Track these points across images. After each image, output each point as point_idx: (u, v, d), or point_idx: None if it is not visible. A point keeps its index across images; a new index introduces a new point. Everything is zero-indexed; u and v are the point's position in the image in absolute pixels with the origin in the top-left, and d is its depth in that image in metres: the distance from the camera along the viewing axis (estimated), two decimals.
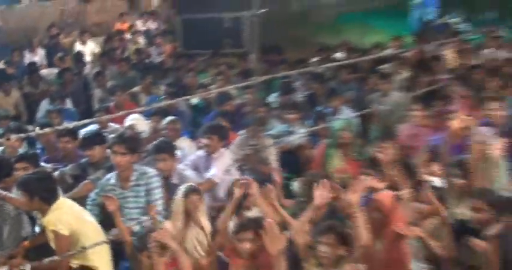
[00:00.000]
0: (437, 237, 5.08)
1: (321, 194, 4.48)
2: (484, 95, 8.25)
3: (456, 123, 6.18)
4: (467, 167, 5.46)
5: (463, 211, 4.71)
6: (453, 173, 5.48)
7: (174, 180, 5.96)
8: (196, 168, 6.58)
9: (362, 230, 4.11)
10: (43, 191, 5.04)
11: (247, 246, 4.40)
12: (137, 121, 7.57)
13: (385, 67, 10.32)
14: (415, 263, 5.02)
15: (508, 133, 6.45)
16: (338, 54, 11.74)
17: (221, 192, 6.09)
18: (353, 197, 4.25)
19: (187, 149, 7.06)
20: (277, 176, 6.74)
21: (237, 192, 4.65)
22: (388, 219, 4.77)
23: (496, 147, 5.32)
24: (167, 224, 5.03)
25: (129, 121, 7.56)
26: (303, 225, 4.39)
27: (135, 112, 7.53)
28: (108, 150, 6.01)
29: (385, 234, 4.79)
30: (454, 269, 4.56)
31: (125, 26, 16.22)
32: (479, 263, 4.62)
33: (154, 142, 6.37)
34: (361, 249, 4.06)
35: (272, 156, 7.04)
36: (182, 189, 5.20)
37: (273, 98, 9.37)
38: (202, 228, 5.06)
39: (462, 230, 4.77)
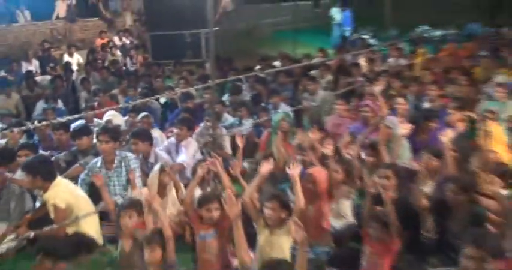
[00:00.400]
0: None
1: (266, 167, 4.48)
2: (390, 92, 8.50)
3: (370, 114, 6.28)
4: (377, 147, 5.56)
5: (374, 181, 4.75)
6: (366, 152, 5.60)
7: (151, 160, 5.95)
8: (168, 152, 6.60)
9: (300, 199, 4.10)
10: (44, 171, 4.99)
11: (214, 214, 4.34)
12: (113, 116, 7.56)
13: (313, 72, 10.40)
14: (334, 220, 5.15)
15: (409, 121, 6.63)
16: (276, 63, 11.79)
17: (188, 173, 6.07)
18: (294, 172, 4.25)
19: (158, 138, 7.05)
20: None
21: (200, 171, 4.64)
22: (318, 188, 4.87)
23: (401, 131, 5.43)
24: (144, 191, 5.01)
25: (107, 116, 7.55)
26: (252, 193, 4.37)
27: (113, 109, 7.47)
28: (95, 140, 5.97)
29: (315, 200, 4.90)
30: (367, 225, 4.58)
31: (104, 41, 16.07)
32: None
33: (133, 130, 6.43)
34: (298, 211, 4.07)
35: (226, 142, 7.07)
36: (157, 166, 5.21)
37: (226, 97, 9.37)
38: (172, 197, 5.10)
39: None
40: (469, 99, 7.91)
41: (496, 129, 6.01)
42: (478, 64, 10.44)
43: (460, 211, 4.32)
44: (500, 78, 8.82)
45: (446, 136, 5.08)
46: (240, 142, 5.62)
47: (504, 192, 4.68)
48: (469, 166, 5.27)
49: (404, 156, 5.93)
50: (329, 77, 10.09)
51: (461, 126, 6.58)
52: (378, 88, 6.66)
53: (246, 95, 9.46)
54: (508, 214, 4.35)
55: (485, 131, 5.94)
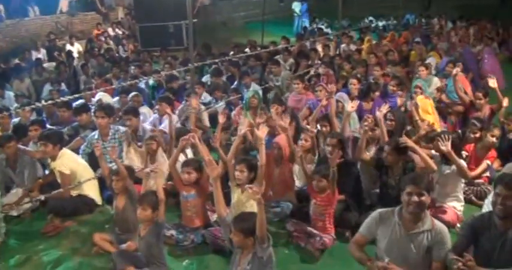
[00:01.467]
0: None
1: (241, 129, 4.51)
2: (342, 73, 8.51)
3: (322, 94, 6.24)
4: (329, 119, 5.56)
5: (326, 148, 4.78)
6: (321, 123, 5.60)
7: (140, 133, 5.84)
8: (154, 125, 6.49)
9: (263, 155, 4.07)
10: (56, 140, 4.96)
11: (191, 176, 4.33)
12: (103, 96, 7.36)
13: (278, 57, 10.31)
14: (299, 181, 5.19)
15: (359, 97, 6.63)
16: (247, 49, 11.65)
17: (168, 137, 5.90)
18: (260, 135, 4.23)
19: (146, 113, 6.92)
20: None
21: (182, 142, 4.59)
22: (283, 153, 4.90)
23: (351, 105, 5.44)
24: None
25: (98, 96, 7.38)
26: (233, 154, 4.34)
27: (107, 90, 7.34)
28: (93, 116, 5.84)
29: (280, 163, 4.93)
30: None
31: (100, 32, 15.74)
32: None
33: (124, 108, 6.27)
34: (262, 167, 4.04)
35: (205, 116, 6.99)
36: (145, 138, 5.18)
37: (205, 78, 9.21)
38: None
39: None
40: (405, 77, 7.99)
41: (425, 102, 6.04)
42: (412, 49, 10.51)
43: (395, 168, 4.38)
44: (429, 59, 8.90)
45: (381, 111, 5.09)
46: (221, 119, 5.53)
47: (433, 152, 4.78)
48: (405, 132, 5.35)
49: (353, 126, 5.97)
50: (291, 61, 10.02)
51: (400, 101, 6.66)
52: (321, 70, 6.60)
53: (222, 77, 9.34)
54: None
55: (415, 103, 5.99)
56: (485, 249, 3.00)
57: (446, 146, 4.17)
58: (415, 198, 3.02)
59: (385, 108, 5.12)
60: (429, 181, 3.17)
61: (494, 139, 5.17)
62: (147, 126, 6.19)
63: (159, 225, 3.74)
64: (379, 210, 3.28)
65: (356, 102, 5.47)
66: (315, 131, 5.24)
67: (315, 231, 4.18)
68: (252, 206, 4.04)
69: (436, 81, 7.30)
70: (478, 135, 5.28)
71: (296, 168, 5.23)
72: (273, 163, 4.93)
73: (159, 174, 4.83)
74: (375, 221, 3.23)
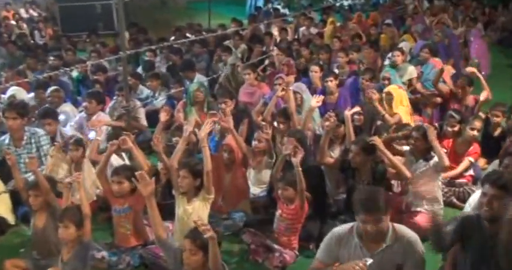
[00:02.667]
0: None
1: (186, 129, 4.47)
2: (301, 61, 8.62)
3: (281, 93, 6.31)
4: (288, 114, 5.61)
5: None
6: (279, 120, 5.64)
7: (58, 139, 5.69)
8: (80, 127, 6.36)
9: (207, 160, 4.08)
10: None
11: (122, 187, 4.28)
12: (17, 91, 7.13)
13: (227, 42, 10.34)
14: (255, 188, 5.25)
15: (322, 92, 6.76)
16: (190, 33, 11.59)
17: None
18: (201, 135, 4.23)
19: (70, 112, 6.76)
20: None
21: (110, 149, 4.52)
22: (234, 157, 4.92)
23: (315, 100, 5.54)
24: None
25: (10, 92, 7.12)
26: (177, 158, 4.32)
27: (20, 84, 7.09)
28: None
29: (232, 168, 4.95)
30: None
31: (10, 14, 15.18)
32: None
33: (40, 109, 6.10)
34: (208, 174, 4.05)
35: (141, 114, 6.91)
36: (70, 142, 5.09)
37: (141, 69, 9.10)
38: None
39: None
40: (374, 65, 8.19)
41: (397, 92, 6.23)
42: (382, 32, 10.79)
43: (363, 170, 4.50)
44: (402, 44, 9.18)
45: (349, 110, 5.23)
46: (163, 116, 5.48)
47: (406, 147, 4.94)
48: (375, 128, 5.50)
49: (315, 121, 6.04)
50: (243, 47, 10.06)
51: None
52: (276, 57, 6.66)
53: (161, 67, 9.25)
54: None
55: (386, 94, 6.17)
56: (475, 254, 3.09)
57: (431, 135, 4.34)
58: (372, 227, 3.00)
59: (353, 110, 5.28)
60: (386, 199, 3.11)
61: (474, 132, 5.37)
62: (67, 131, 6.05)
63: (86, 246, 3.67)
64: (335, 230, 3.26)
65: (320, 97, 5.56)
66: (270, 129, 5.28)
67: (275, 246, 4.22)
68: (201, 217, 4.02)
69: (412, 70, 7.50)
70: (456, 128, 5.49)
71: (251, 172, 5.28)
72: (224, 168, 4.96)
73: (87, 185, 4.76)
74: (333, 243, 3.20)
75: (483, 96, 6.16)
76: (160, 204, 4.74)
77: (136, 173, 3.62)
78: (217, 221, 4.66)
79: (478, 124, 5.41)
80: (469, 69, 6.45)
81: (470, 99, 6.48)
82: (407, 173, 4.41)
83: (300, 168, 4.07)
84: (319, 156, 4.75)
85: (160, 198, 4.81)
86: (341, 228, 3.25)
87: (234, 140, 4.91)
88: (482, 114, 6.05)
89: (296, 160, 4.09)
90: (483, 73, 9.16)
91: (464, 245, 3.20)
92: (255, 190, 5.22)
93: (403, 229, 3.16)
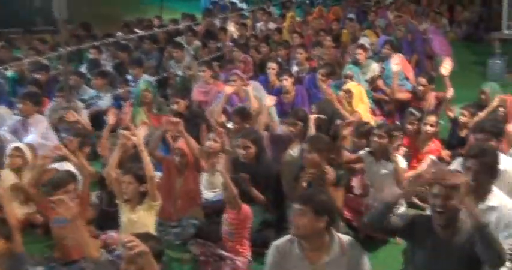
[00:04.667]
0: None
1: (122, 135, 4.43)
2: (258, 56, 8.70)
3: (230, 88, 6.37)
4: (246, 114, 5.68)
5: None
6: (234, 120, 5.70)
7: None
8: (15, 131, 6.23)
9: (147, 165, 4.08)
10: None
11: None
12: None
13: (179, 39, 10.34)
14: (208, 192, 5.29)
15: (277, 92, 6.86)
16: (139, 29, 11.51)
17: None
18: (136, 139, 4.24)
19: (4, 115, 6.64)
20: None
21: (41, 161, 4.47)
22: (187, 161, 4.94)
23: (267, 99, 5.62)
24: None
25: None
26: (113, 165, 4.31)
27: None
28: None
29: (184, 172, 4.97)
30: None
31: None
32: None
33: None
34: (151, 180, 4.06)
35: (84, 116, 6.83)
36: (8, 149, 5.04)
37: (84, 68, 9.01)
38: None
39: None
40: (336, 62, 8.34)
41: (357, 90, 6.37)
42: (345, 27, 10.98)
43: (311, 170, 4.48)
44: (362, 40, 9.37)
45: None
46: (111, 119, 5.45)
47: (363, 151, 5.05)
48: (333, 128, 5.60)
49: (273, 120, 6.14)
50: (197, 43, 10.07)
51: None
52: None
53: (107, 65, 9.17)
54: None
55: (345, 92, 6.30)
56: (426, 257, 3.16)
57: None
58: (299, 219, 3.03)
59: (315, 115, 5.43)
60: (327, 201, 3.16)
61: (428, 128, 5.55)
62: (6, 133, 5.95)
63: (19, 259, 3.61)
64: (275, 243, 3.25)
65: (273, 98, 5.64)
66: (223, 129, 5.36)
67: (225, 254, 4.25)
68: (147, 226, 4.07)
69: (375, 67, 7.69)
70: (416, 126, 5.67)
71: (204, 176, 5.32)
72: (175, 172, 4.98)
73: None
74: (276, 259, 3.18)
75: (450, 93, 6.33)
76: (105, 211, 4.82)
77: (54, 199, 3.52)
78: (166, 230, 4.67)
79: (432, 119, 5.58)
80: (442, 68, 6.52)
81: (431, 97, 6.67)
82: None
83: (225, 173, 4.14)
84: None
85: (105, 204, 4.83)
86: (281, 240, 3.24)
87: (185, 143, 4.93)
88: (451, 114, 6.24)
89: (220, 166, 4.18)
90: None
91: (413, 241, 3.26)
92: (208, 195, 5.25)
93: (349, 241, 3.18)
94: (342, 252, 3.09)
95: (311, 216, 3.02)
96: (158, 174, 5.20)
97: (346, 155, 5.11)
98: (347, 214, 4.67)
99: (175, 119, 4.95)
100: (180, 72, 8.40)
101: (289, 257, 3.15)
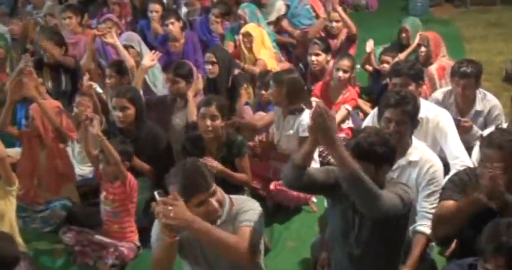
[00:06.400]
0: None
1: None
2: None
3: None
4: (124, 67, 5.60)
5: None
6: (108, 73, 5.59)
7: None
8: None
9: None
10: None
11: None
12: None
13: None
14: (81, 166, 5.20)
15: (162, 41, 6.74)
16: None
17: None
18: None
19: None
20: None
21: None
22: (39, 130, 4.79)
23: (146, 58, 5.49)
24: None
25: None
26: None
27: None
28: None
29: (46, 145, 4.83)
30: None
31: None
32: None
33: None
34: (2, 162, 3.87)
35: None
36: None
37: None
38: None
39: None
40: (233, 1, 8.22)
41: (257, 32, 6.33)
42: None
43: (213, 141, 4.45)
44: None
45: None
46: None
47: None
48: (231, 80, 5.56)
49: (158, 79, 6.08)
50: None
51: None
52: None
53: None
54: None
55: (243, 35, 6.26)
56: (343, 217, 3.14)
57: None
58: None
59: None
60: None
61: (340, 73, 5.58)
62: None
63: None
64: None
65: (156, 54, 5.52)
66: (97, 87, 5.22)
67: (107, 240, 4.21)
68: (5, 215, 3.93)
69: (280, 6, 7.61)
70: (321, 58, 5.77)
71: (75, 147, 5.23)
72: (37, 146, 4.82)
73: None
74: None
75: (370, 46, 6.41)
76: None
77: None
78: (32, 215, 4.60)
79: (344, 63, 5.60)
80: (367, 44, 6.52)
81: (342, 34, 6.77)
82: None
83: (104, 138, 4.08)
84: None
85: None
86: None
87: (39, 108, 4.76)
88: (369, 67, 6.44)
89: (93, 128, 4.09)
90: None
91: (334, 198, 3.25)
92: (83, 170, 5.18)
93: (241, 202, 3.14)
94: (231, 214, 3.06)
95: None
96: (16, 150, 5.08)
97: (249, 113, 5.15)
98: (253, 182, 4.67)
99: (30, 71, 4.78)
100: (40, 20, 8.01)
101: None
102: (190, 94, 5.18)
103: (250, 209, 3.05)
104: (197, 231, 2.81)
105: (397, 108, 3.54)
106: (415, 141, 3.67)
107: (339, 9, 6.64)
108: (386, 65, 6.04)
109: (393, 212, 2.87)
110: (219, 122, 4.32)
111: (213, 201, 2.93)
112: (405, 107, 3.53)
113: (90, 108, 5.01)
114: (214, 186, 2.97)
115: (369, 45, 6.44)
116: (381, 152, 2.96)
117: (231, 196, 3.13)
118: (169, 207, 2.71)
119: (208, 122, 4.29)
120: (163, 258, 2.97)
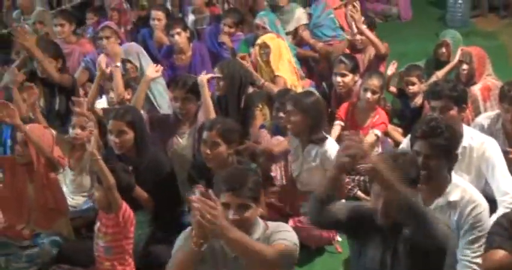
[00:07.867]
0: None
1: None
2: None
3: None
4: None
5: None
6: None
7: None
8: None
9: None
10: None
11: None
12: None
13: None
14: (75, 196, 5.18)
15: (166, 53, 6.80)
16: None
17: None
18: None
19: None
20: None
21: None
22: (32, 158, 4.75)
23: (150, 69, 5.55)
24: None
25: None
26: None
27: None
28: None
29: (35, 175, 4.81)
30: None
31: None
32: None
33: None
34: None
35: None
36: None
37: None
38: None
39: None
40: (247, 7, 8.29)
41: (275, 44, 6.33)
42: None
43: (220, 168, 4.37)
44: None
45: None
46: None
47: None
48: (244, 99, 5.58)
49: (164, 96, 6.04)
50: None
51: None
52: None
53: None
54: None
55: (259, 47, 6.28)
56: (372, 258, 3.18)
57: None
58: (234, 215, 3.05)
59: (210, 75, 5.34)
60: (258, 183, 3.15)
61: (368, 94, 5.56)
62: None
63: None
64: (185, 231, 3.24)
65: (159, 67, 5.56)
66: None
67: None
68: None
69: (301, 15, 7.66)
70: (348, 80, 5.76)
71: (67, 175, 5.22)
72: (23, 176, 4.81)
73: None
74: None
75: (391, 70, 6.38)
76: None
77: None
78: (15, 253, 4.58)
79: (373, 82, 5.58)
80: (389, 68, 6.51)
81: (371, 50, 6.76)
82: None
83: (99, 158, 4.07)
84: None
85: None
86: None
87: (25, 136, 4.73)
88: (394, 89, 6.41)
89: (89, 148, 4.11)
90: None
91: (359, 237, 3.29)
92: (76, 200, 5.17)
93: (277, 225, 3.24)
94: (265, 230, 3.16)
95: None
96: None
97: (265, 138, 5.16)
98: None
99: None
100: (28, 28, 8.09)
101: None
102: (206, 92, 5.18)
103: (286, 230, 3.17)
104: (232, 241, 2.86)
105: (426, 140, 3.50)
106: (456, 178, 3.62)
107: (364, 29, 6.59)
108: (411, 87, 6.05)
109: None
110: (222, 149, 4.32)
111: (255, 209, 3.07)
112: (435, 139, 3.47)
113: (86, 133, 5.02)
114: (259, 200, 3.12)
115: (391, 68, 6.38)
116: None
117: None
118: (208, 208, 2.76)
119: (208, 150, 4.32)
120: (178, 267, 3.02)
